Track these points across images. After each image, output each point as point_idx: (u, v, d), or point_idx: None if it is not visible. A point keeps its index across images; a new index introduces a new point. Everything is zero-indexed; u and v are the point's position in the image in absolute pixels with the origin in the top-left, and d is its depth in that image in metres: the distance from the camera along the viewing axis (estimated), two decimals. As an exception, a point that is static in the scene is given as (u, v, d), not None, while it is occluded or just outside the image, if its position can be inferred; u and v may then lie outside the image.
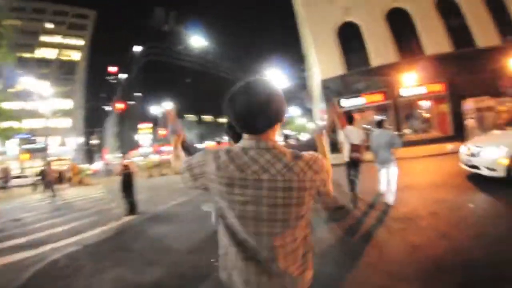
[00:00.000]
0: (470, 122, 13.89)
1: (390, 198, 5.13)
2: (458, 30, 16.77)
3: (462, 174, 6.48)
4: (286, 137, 11.37)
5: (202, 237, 4.76)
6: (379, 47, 18.35)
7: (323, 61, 19.26)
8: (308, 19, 20.21)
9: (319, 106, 22.44)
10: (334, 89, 18.92)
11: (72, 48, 57.30)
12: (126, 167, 7.57)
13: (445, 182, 6.40)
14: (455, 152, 7.33)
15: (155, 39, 71.44)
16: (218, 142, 8.73)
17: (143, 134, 62.50)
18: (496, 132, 7.45)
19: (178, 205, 8.38)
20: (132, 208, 7.53)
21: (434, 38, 17.89)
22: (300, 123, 53.90)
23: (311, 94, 25.84)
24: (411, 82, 17.76)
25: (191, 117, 70.56)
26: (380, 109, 18.22)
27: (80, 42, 58.09)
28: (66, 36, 56.39)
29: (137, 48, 65.85)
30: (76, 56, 57.51)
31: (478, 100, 14.05)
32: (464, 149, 6.20)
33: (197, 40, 39.48)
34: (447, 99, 17.52)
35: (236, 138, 1.90)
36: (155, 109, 52.15)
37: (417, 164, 10.01)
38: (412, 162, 10.30)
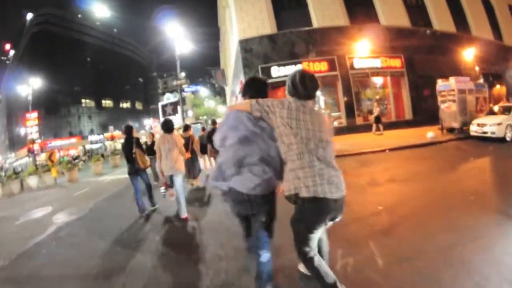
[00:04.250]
0: (449, 105, 10.53)
1: None
2: (415, 8, 15.29)
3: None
4: (186, 127, 6.72)
5: None
6: (324, 5, 13.08)
7: (244, 19, 12.88)
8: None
9: (237, 79, 16.00)
10: (259, 53, 12.54)
11: None
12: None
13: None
14: (437, 143, 8.86)
15: (49, 3, 51.49)
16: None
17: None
18: (489, 116, 9.25)
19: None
20: None
21: (391, 9, 14.23)
22: (210, 107, 45.48)
23: (223, 70, 19.47)
24: (364, 53, 12.69)
25: (89, 102, 52.99)
26: (325, 82, 12.39)
27: None
28: None
29: (29, 16, 50.43)
30: None
31: (461, 81, 10.59)
32: (474, 125, 8.90)
33: (99, 9, 29.65)
34: (405, 77, 13.88)
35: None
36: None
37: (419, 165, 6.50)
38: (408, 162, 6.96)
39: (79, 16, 54.02)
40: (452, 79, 10.54)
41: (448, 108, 10.51)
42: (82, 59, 51.52)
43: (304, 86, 1.65)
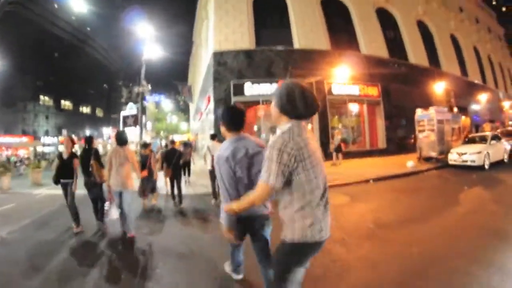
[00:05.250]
0: (428, 134, 10.47)
1: None
2: (393, 41, 15.78)
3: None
4: (145, 145, 6.40)
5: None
6: (307, 28, 12.57)
7: (222, 31, 11.92)
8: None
9: (204, 94, 14.85)
10: (233, 68, 11.57)
11: None
12: None
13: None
14: (418, 172, 8.70)
15: None
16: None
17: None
18: (466, 145, 9.61)
19: None
20: None
21: (371, 39, 14.39)
22: (172, 122, 42.41)
23: (190, 87, 18.47)
24: (343, 79, 12.30)
25: (47, 101, 47.85)
26: None
27: None
28: None
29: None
30: None
31: (440, 112, 10.65)
32: (454, 154, 9.04)
33: (77, 2, 26.86)
34: (380, 106, 13.76)
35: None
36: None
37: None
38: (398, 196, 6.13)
39: (55, 6, 49.42)
40: (432, 109, 10.50)
41: (426, 137, 10.51)
42: (48, 52, 46.76)
43: (305, 104, 1.35)
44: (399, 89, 14.02)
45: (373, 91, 13.26)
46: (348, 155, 11.61)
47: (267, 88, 11.18)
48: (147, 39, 13.51)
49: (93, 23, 56.58)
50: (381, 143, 13.53)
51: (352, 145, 13.17)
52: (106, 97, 63.43)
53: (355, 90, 12.77)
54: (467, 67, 21.30)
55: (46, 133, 46.19)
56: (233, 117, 1.88)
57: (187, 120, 42.27)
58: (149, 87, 13.12)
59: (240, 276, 2.55)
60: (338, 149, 10.65)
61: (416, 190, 6.48)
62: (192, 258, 3.30)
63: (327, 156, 11.14)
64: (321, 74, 11.84)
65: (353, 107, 13.48)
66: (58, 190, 8.71)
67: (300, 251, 1.41)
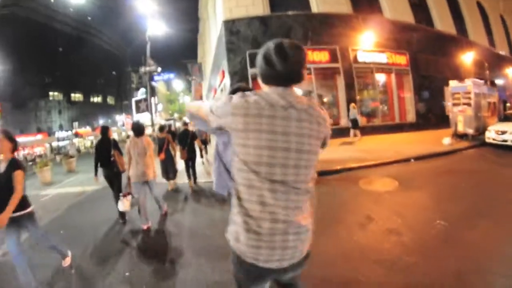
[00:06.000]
0: (464, 108, 9.24)
1: None
2: (418, 5, 14.03)
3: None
4: (161, 128, 6.47)
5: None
6: (325, -11, 11.34)
7: (231, -3, 10.84)
8: None
9: (217, 69, 13.79)
10: (247, 37, 10.49)
11: None
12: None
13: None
14: (457, 150, 7.54)
15: None
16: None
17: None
18: (504, 122, 8.53)
19: None
20: None
21: (395, 2, 12.93)
22: (184, 104, 38.84)
23: (200, 64, 17.44)
24: (368, 45, 11.11)
25: (57, 95, 47.54)
26: (326, 74, 10.64)
27: None
28: None
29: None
30: None
31: (477, 84, 9.34)
32: (492, 132, 8.04)
33: None
34: (409, 76, 12.53)
35: None
36: None
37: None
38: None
39: (52, 0, 48.41)
40: (468, 81, 9.27)
41: (462, 111, 9.17)
42: (52, 48, 46.40)
43: (283, 58, 0.97)
44: (427, 58, 12.75)
45: (401, 60, 12.05)
46: (376, 130, 10.58)
47: (286, 57, 10.11)
48: (150, 15, 12.53)
49: (93, 11, 55.37)
50: (410, 117, 12.40)
51: (375, 118, 12.00)
52: (116, 84, 62.76)
53: (382, 58, 11.61)
54: (494, 38, 19.68)
55: (61, 128, 46.37)
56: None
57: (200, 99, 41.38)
58: (157, 67, 12.25)
59: None
60: (355, 125, 9.54)
61: (468, 173, 5.42)
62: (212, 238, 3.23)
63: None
64: (344, 41, 10.68)
65: (380, 77, 12.27)
66: (69, 188, 8.07)
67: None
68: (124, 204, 3.83)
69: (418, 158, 6.59)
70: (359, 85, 11.42)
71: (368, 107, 11.95)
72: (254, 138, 0.95)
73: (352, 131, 9.66)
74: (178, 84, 42.82)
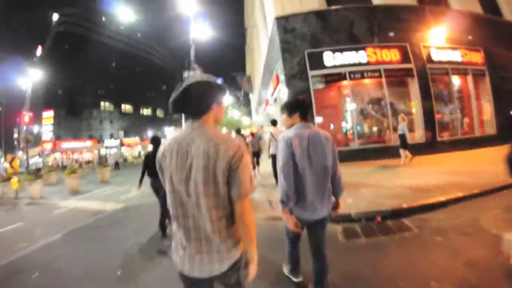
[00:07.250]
0: None
1: None
2: None
3: None
4: None
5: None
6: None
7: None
8: None
9: (269, 75, 12.72)
10: (305, 34, 9.48)
11: None
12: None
13: None
14: None
15: (71, 3, 47.56)
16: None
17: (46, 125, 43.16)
18: None
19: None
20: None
21: None
22: (233, 117, 35.04)
23: (249, 77, 16.53)
24: (441, 41, 9.74)
25: (108, 106, 51.13)
26: (398, 76, 9.34)
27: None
28: None
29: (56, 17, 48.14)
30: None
31: None
32: None
33: (124, 13, 27.18)
34: (486, 78, 10.82)
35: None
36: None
37: None
38: None
39: (103, 19, 52.90)
40: None
41: None
42: (104, 62, 50.89)
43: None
44: (504, 55, 10.89)
45: (477, 58, 10.49)
46: (453, 146, 9.12)
47: (353, 57, 8.96)
48: (193, 18, 11.84)
49: (143, 28, 59.23)
50: (489, 128, 10.57)
51: (459, 131, 10.26)
52: (165, 97, 66.37)
53: (457, 56, 10.10)
54: None
55: (111, 136, 50.26)
56: (299, 105, 1.91)
57: (248, 113, 40.44)
58: (202, 71, 11.53)
59: (299, 279, 2.37)
60: (403, 143, 7.51)
61: None
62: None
63: (434, 146, 8.78)
64: (414, 36, 9.40)
65: (455, 80, 10.64)
66: (86, 203, 7.60)
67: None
68: None
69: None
70: (434, 90, 9.85)
71: (445, 118, 10.28)
72: None
73: (402, 152, 7.63)
74: (225, 97, 43.22)
